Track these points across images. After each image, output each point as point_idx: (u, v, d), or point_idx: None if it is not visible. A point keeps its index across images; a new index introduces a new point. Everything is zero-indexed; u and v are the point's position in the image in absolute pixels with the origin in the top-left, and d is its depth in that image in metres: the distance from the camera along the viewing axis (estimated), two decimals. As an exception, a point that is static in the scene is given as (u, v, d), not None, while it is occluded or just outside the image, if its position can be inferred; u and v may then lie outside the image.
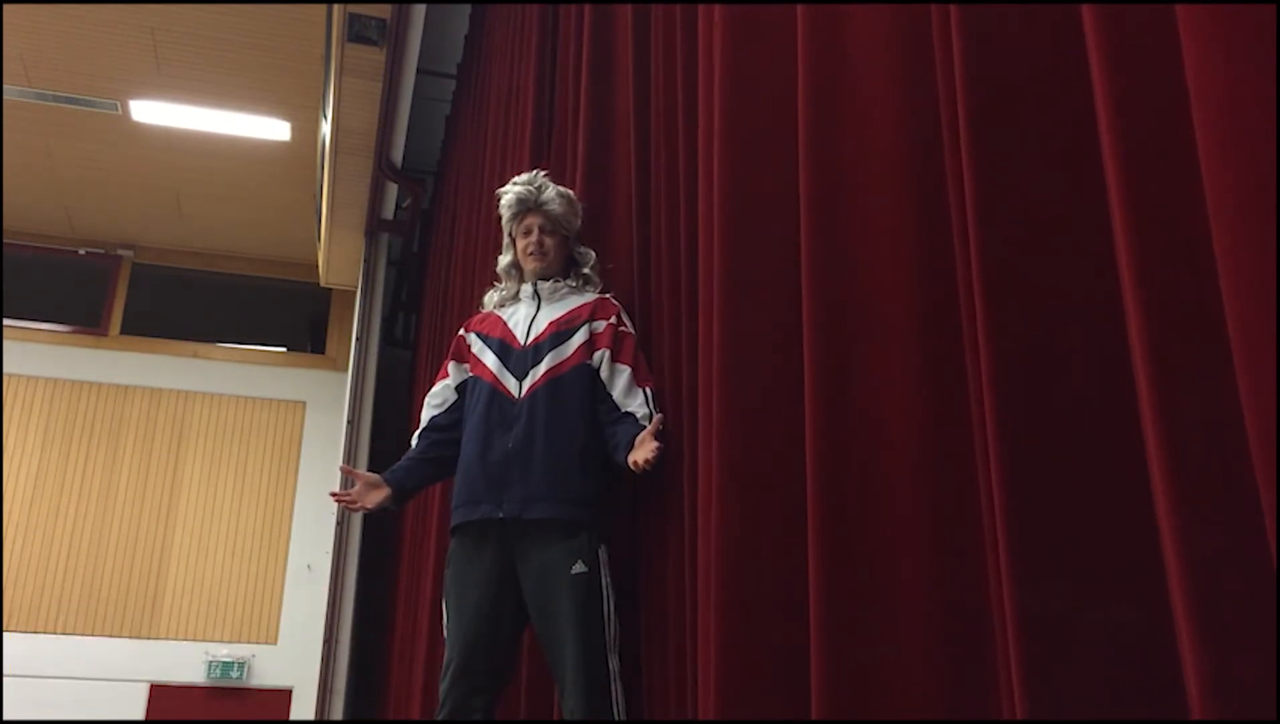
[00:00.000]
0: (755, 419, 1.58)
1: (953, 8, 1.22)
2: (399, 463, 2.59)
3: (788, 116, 1.63)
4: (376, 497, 2.49)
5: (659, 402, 2.31)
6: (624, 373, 2.38)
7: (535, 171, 2.67)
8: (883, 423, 1.31)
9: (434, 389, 2.67)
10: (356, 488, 2.52)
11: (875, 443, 1.30)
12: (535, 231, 2.59)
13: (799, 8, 1.60)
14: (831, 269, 1.42)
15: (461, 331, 2.71)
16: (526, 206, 2.60)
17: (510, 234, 2.68)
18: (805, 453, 1.37)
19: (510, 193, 2.63)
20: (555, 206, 2.58)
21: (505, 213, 2.65)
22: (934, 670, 1.18)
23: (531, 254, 2.59)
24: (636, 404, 2.32)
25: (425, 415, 2.64)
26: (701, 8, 2.08)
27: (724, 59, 1.81)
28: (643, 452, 2.15)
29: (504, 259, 2.70)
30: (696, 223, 2.08)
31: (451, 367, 2.65)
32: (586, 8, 3.17)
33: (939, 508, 1.22)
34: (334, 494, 2.57)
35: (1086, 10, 1.01)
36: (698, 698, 1.70)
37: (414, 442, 2.63)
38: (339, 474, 7.45)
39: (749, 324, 1.64)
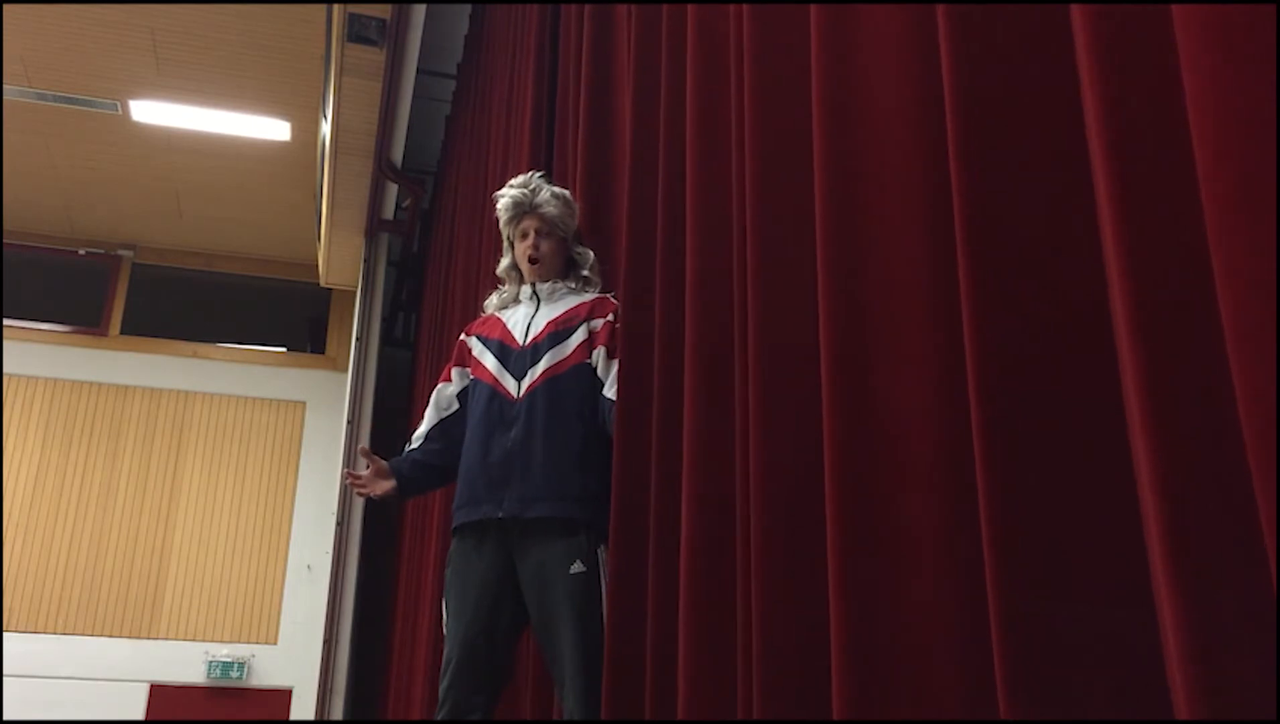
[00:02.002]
0: (792, 416, 1.57)
1: (940, 8, 1.22)
2: (408, 457, 2.62)
3: (810, 117, 1.62)
4: (384, 486, 2.54)
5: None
6: (615, 366, 2.41)
7: (531, 174, 2.67)
8: (899, 420, 1.31)
9: (439, 391, 2.67)
10: (368, 472, 2.55)
11: (891, 437, 1.30)
12: (532, 236, 2.60)
13: (812, 7, 1.60)
14: (847, 271, 1.42)
15: (462, 336, 2.73)
16: (522, 210, 2.61)
17: (508, 237, 2.69)
18: (824, 448, 1.37)
19: (506, 197, 2.63)
20: (551, 210, 2.58)
21: (502, 216, 2.66)
22: (952, 662, 1.18)
23: (530, 259, 2.60)
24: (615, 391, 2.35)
25: (431, 416, 2.64)
26: (712, 8, 2.08)
27: (752, 60, 1.80)
28: None
29: (504, 261, 2.71)
30: (713, 219, 2.08)
31: (454, 372, 2.66)
32: (587, 7, 3.17)
33: (954, 498, 1.22)
34: (349, 472, 2.62)
35: (1076, 9, 1.01)
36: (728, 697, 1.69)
37: (418, 438, 2.64)
38: (339, 474, 7.48)
39: (784, 318, 1.63)
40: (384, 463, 2.56)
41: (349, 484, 2.62)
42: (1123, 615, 0.94)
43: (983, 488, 1.04)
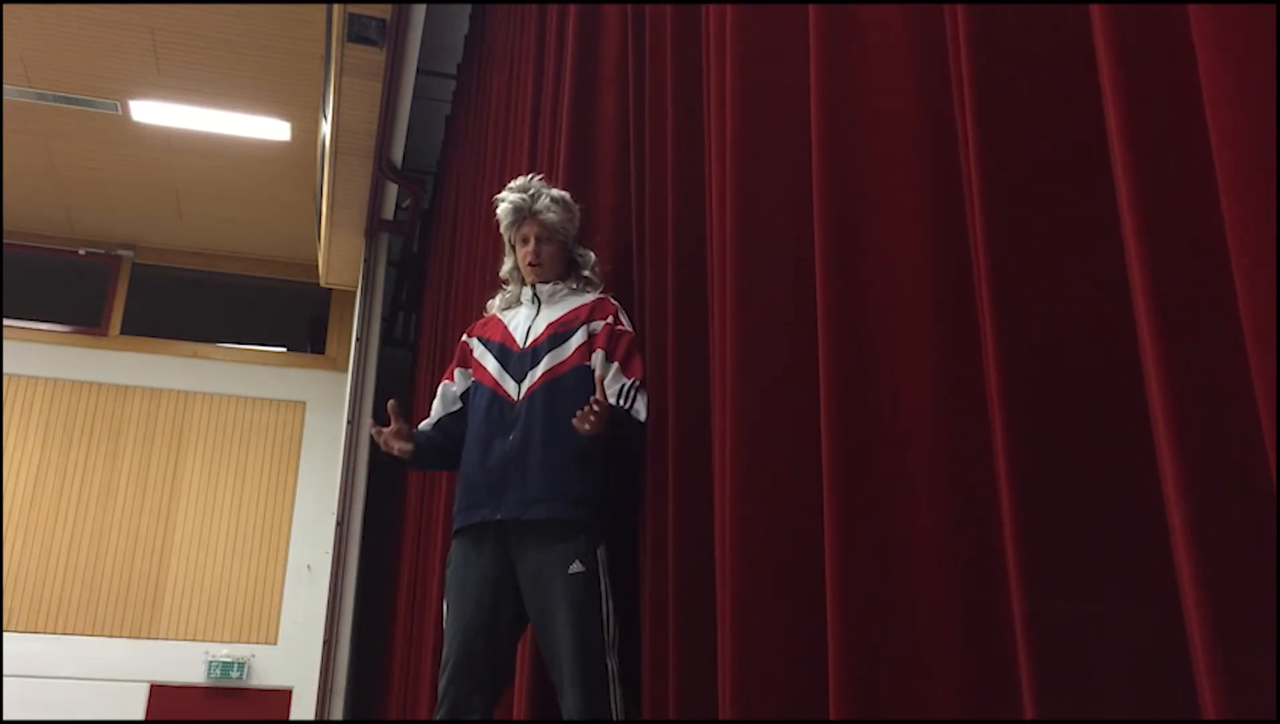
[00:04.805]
0: (770, 419, 1.57)
1: (960, 7, 1.22)
2: (424, 432, 2.60)
3: (800, 116, 1.62)
4: (403, 447, 2.49)
5: (643, 393, 2.34)
6: (613, 368, 2.41)
7: (530, 177, 2.67)
8: (899, 419, 1.31)
9: (444, 387, 2.68)
10: (391, 428, 2.50)
11: (891, 439, 1.30)
12: (532, 241, 2.60)
13: (811, 8, 1.60)
14: (846, 271, 1.42)
15: (465, 337, 2.73)
16: (522, 216, 2.61)
17: (509, 241, 2.69)
18: (821, 449, 1.37)
19: (506, 202, 2.63)
20: (551, 215, 2.58)
21: (502, 221, 2.66)
22: (950, 665, 1.18)
23: (530, 264, 2.60)
24: (613, 393, 2.34)
25: (438, 408, 2.65)
26: (710, 8, 2.08)
27: (735, 61, 1.80)
28: (582, 418, 2.20)
29: (506, 264, 2.72)
30: (692, 222, 2.09)
31: (457, 373, 2.67)
32: (572, 8, 3.18)
33: (955, 502, 1.22)
34: (374, 424, 2.57)
35: (1096, 9, 1.01)
36: (708, 696, 1.70)
37: (427, 425, 2.64)
38: (339, 474, 7.49)
39: (761, 323, 1.64)
40: (406, 426, 2.52)
41: (372, 434, 2.56)
42: (1149, 616, 0.94)
43: (1007, 490, 1.04)
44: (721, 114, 1.88)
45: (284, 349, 9.45)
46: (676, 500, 2.02)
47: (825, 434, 1.36)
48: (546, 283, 2.61)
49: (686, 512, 1.97)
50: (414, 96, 6.32)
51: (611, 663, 2.22)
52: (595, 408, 2.20)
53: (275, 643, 8.35)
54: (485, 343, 2.62)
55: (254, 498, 8.69)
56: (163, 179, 8.04)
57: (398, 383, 8.08)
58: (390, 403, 2.57)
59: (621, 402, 2.34)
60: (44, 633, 8.03)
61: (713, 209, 1.95)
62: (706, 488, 1.92)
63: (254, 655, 8.27)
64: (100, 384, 8.73)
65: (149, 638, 8.19)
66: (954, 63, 1.27)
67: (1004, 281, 1.09)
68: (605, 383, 2.38)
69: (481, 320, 2.76)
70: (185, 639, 8.23)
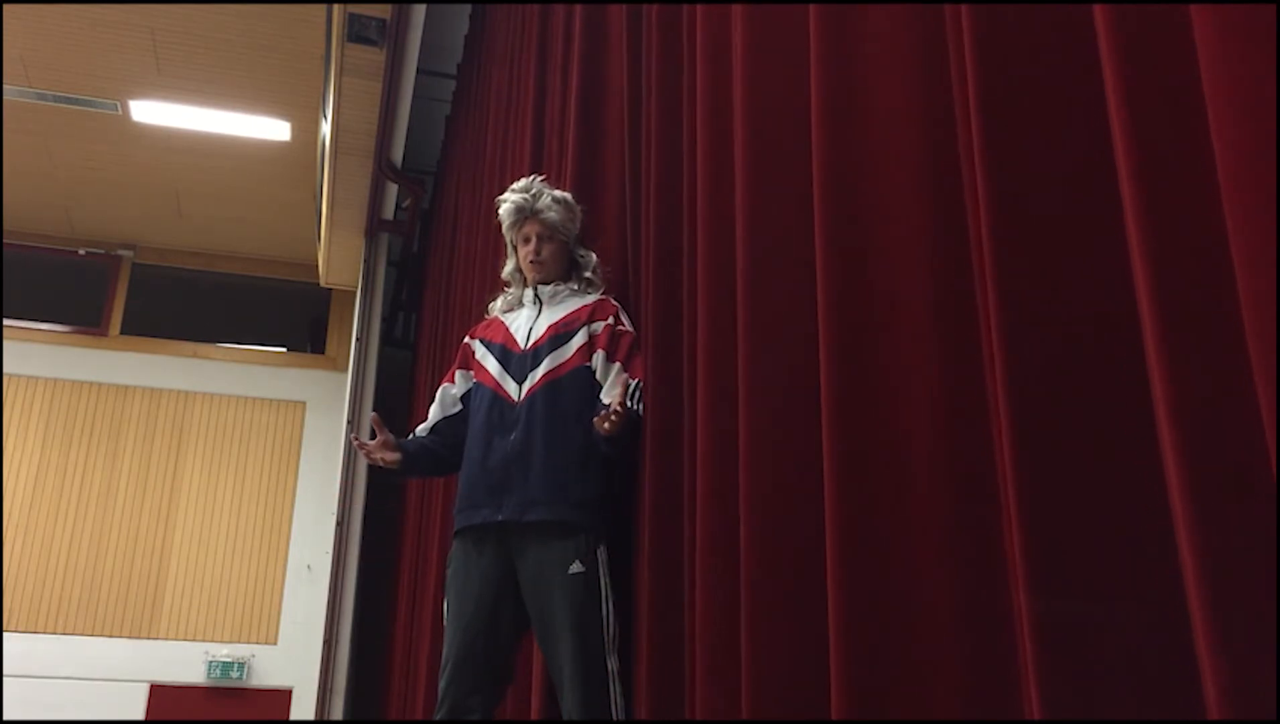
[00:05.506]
0: (782, 417, 1.57)
1: (963, 7, 1.22)
2: (415, 440, 2.64)
3: (802, 115, 1.62)
4: (390, 457, 2.55)
5: (644, 394, 2.34)
6: (614, 369, 2.41)
7: (532, 177, 2.69)
8: (899, 419, 1.31)
9: (443, 390, 2.69)
10: (375, 442, 2.55)
11: (891, 438, 1.30)
12: (533, 240, 2.61)
13: (811, 8, 1.60)
14: (847, 271, 1.42)
15: (466, 338, 2.74)
16: (524, 216, 2.62)
17: (511, 242, 2.70)
18: (823, 452, 1.37)
19: (508, 202, 2.65)
20: (552, 215, 2.59)
21: (504, 221, 2.67)
22: (950, 665, 1.18)
23: (531, 263, 2.61)
24: (615, 394, 2.35)
25: (435, 412, 2.66)
26: (713, 9, 2.08)
27: (745, 64, 1.80)
28: (603, 418, 2.22)
29: (508, 265, 2.73)
30: (693, 225, 2.09)
31: (458, 375, 2.68)
32: (578, 8, 3.19)
33: (955, 502, 1.22)
34: (356, 437, 2.64)
35: (1098, 8, 1.01)
36: (703, 695, 1.70)
37: (423, 430, 2.66)
38: (339, 474, 7.49)
39: (771, 322, 1.63)
40: (391, 437, 2.57)
41: (356, 448, 2.64)
42: (1151, 615, 0.94)
43: (1010, 489, 1.04)
44: (726, 117, 1.88)
45: (284, 349, 9.45)
46: (652, 500, 2.03)
47: (826, 433, 1.36)
48: (548, 283, 2.62)
49: (661, 512, 1.98)
50: (414, 96, 6.32)
51: (611, 663, 2.22)
52: (616, 409, 2.20)
53: (275, 643, 8.35)
54: (487, 344, 2.63)
55: (254, 498, 8.69)
56: (163, 179, 8.04)
57: (398, 383, 8.08)
58: (373, 415, 2.61)
59: (629, 402, 2.34)
60: (44, 633, 8.03)
61: (699, 214, 1.95)
62: (679, 490, 1.93)
63: (254, 655, 8.27)
64: (100, 384, 8.73)
65: (149, 638, 8.19)
66: (957, 62, 1.27)
67: (1007, 280, 1.09)
68: (609, 384, 2.38)
69: (484, 322, 2.76)
70: (185, 639, 8.23)
